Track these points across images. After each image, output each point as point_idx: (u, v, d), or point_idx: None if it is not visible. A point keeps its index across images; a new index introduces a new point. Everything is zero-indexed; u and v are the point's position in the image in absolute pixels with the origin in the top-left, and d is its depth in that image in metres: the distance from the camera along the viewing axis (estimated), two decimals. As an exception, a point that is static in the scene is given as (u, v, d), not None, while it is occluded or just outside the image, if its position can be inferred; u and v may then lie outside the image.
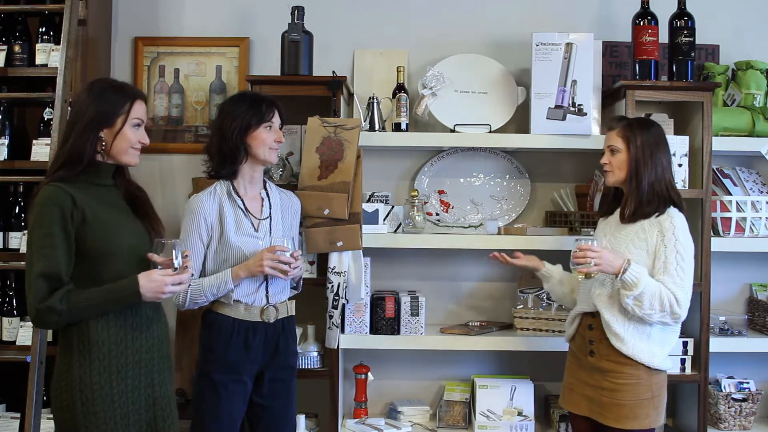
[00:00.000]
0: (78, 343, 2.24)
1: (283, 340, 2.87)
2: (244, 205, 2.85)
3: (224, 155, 2.82)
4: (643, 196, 2.74)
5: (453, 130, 3.48)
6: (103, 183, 2.36)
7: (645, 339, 2.71)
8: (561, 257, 3.46)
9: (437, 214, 3.64)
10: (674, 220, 2.72)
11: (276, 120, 2.88)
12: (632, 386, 2.70)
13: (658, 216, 2.74)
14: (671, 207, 2.76)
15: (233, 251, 2.80)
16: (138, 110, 2.36)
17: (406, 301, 3.42)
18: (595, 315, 2.79)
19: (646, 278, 2.65)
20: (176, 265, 2.29)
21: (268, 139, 2.84)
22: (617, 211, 2.88)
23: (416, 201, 3.49)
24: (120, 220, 2.34)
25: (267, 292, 2.84)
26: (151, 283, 2.25)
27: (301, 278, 3.02)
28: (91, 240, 2.25)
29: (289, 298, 2.94)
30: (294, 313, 2.95)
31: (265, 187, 2.94)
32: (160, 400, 2.36)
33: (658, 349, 2.72)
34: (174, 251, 2.30)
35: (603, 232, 2.89)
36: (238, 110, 2.82)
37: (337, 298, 3.23)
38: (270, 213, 2.90)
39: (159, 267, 2.29)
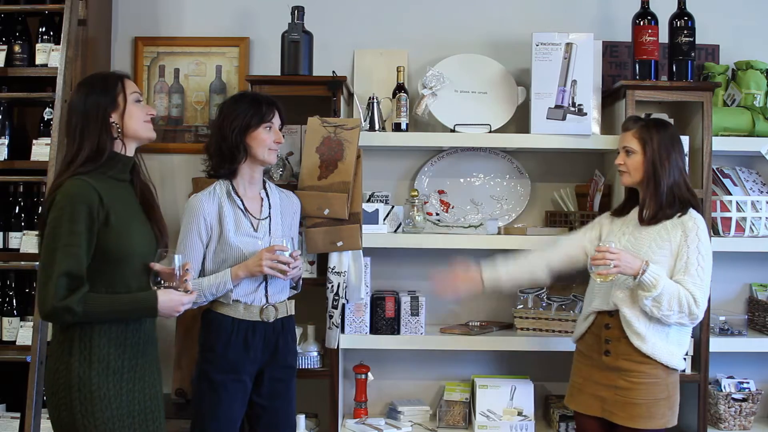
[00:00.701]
0: (79, 343, 2.24)
1: (282, 339, 2.86)
2: (243, 205, 2.85)
3: (223, 154, 2.82)
4: (663, 199, 2.74)
5: (453, 130, 3.48)
6: (121, 178, 2.36)
7: (664, 338, 2.71)
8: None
9: (437, 214, 3.64)
10: (697, 221, 2.74)
11: (276, 120, 2.88)
12: (649, 385, 2.70)
13: (680, 216, 2.74)
14: (692, 209, 2.77)
15: (232, 251, 2.80)
16: (131, 86, 2.37)
17: (406, 301, 3.42)
18: (612, 314, 2.78)
19: (665, 279, 2.65)
20: (177, 276, 2.32)
21: (268, 140, 2.84)
22: (633, 212, 2.86)
23: (416, 201, 3.49)
24: (135, 223, 2.34)
25: (266, 291, 2.84)
26: (170, 302, 2.30)
27: (300, 278, 3.02)
28: (108, 242, 2.25)
29: (289, 298, 2.94)
30: (293, 313, 2.94)
31: (264, 188, 2.94)
32: (150, 402, 2.36)
33: (675, 348, 2.74)
34: (176, 263, 2.32)
35: (621, 232, 2.86)
36: (238, 110, 2.82)
37: (337, 298, 3.23)
38: (269, 213, 2.90)
39: (159, 278, 2.31)
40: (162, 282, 2.32)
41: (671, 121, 3.46)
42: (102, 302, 2.23)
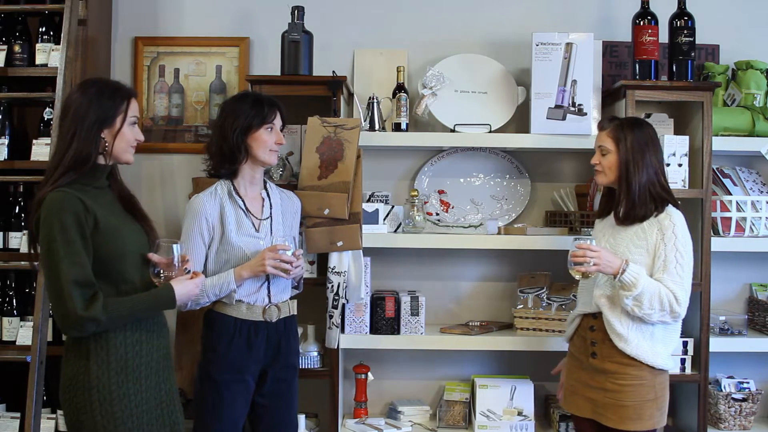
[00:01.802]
0: (95, 345, 2.24)
1: (284, 339, 2.87)
2: (244, 205, 2.85)
3: (224, 154, 2.82)
4: (635, 199, 2.72)
5: (453, 130, 3.48)
6: (99, 185, 2.36)
7: (648, 338, 2.70)
8: (561, 257, 3.46)
9: (437, 214, 3.64)
10: (673, 218, 2.71)
11: (277, 121, 2.88)
12: (636, 387, 2.69)
13: (657, 215, 2.73)
14: (669, 206, 2.75)
15: (234, 251, 2.80)
16: (134, 108, 2.38)
17: (406, 301, 3.42)
18: (596, 316, 2.79)
19: (645, 278, 2.64)
20: (176, 265, 2.33)
21: (269, 141, 2.84)
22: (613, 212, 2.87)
23: (416, 201, 3.49)
24: (123, 223, 2.35)
25: (269, 291, 2.84)
26: (184, 289, 2.33)
27: (302, 278, 3.02)
28: (103, 245, 2.25)
29: (291, 298, 2.94)
30: (296, 313, 2.94)
31: (265, 187, 2.94)
32: (167, 397, 2.38)
33: (661, 348, 2.71)
34: (174, 252, 2.33)
35: (601, 233, 2.88)
36: (239, 110, 2.82)
37: (337, 298, 3.23)
38: (271, 213, 2.90)
39: (158, 268, 2.32)
40: (162, 272, 2.33)
41: (671, 120, 3.47)
42: (122, 306, 2.24)
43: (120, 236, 2.29)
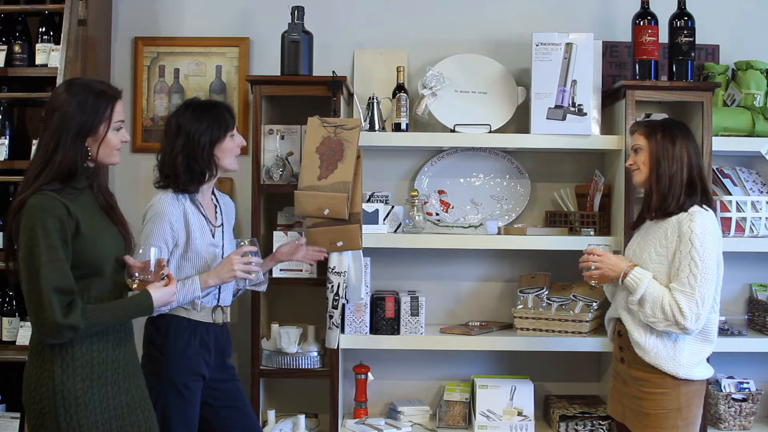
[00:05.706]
0: (60, 349, 2.20)
1: (228, 345, 2.87)
2: (204, 212, 2.80)
3: (194, 172, 2.73)
4: (665, 189, 2.65)
5: (453, 130, 3.48)
6: (80, 187, 2.30)
7: (669, 347, 2.61)
8: (561, 257, 3.48)
9: (437, 214, 3.64)
10: (693, 223, 2.59)
11: (234, 126, 2.84)
12: (658, 396, 2.62)
13: (678, 216, 2.63)
14: (695, 206, 2.64)
15: (198, 259, 2.74)
16: (119, 112, 2.32)
17: (406, 301, 3.42)
18: (622, 322, 2.74)
19: (648, 283, 2.58)
20: (152, 270, 2.32)
21: (234, 147, 2.81)
22: (648, 222, 2.78)
23: (416, 201, 3.49)
24: (102, 228, 2.31)
25: (219, 293, 2.81)
26: (163, 296, 2.32)
27: (265, 274, 3.01)
28: (82, 251, 2.22)
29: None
30: (229, 320, 2.90)
31: (213, 193, 2.90)
32: (136, 404, 2.34)
33: (685, 357, 2.61)
34: (151, 256, 2.32)
35: (635, 240, 2.82)
36: (201, 124, 2.74)
37: (337, 298, 3.23)
38: (223, 220, 2.88)
39: (133, 271, 2.30)
40: (137, 276, 2.31)
41: (671, 121, 3.47)
42: (101, 313, 2.22)
43: (100, 241, 2.26)
